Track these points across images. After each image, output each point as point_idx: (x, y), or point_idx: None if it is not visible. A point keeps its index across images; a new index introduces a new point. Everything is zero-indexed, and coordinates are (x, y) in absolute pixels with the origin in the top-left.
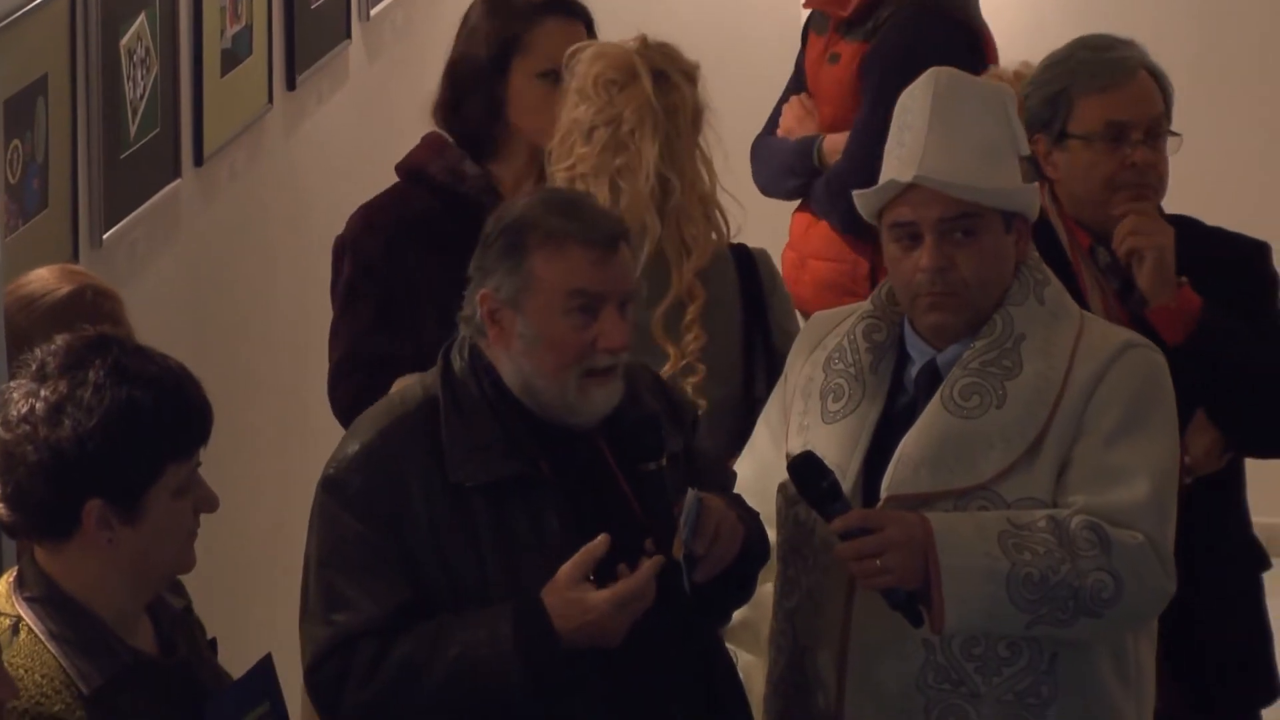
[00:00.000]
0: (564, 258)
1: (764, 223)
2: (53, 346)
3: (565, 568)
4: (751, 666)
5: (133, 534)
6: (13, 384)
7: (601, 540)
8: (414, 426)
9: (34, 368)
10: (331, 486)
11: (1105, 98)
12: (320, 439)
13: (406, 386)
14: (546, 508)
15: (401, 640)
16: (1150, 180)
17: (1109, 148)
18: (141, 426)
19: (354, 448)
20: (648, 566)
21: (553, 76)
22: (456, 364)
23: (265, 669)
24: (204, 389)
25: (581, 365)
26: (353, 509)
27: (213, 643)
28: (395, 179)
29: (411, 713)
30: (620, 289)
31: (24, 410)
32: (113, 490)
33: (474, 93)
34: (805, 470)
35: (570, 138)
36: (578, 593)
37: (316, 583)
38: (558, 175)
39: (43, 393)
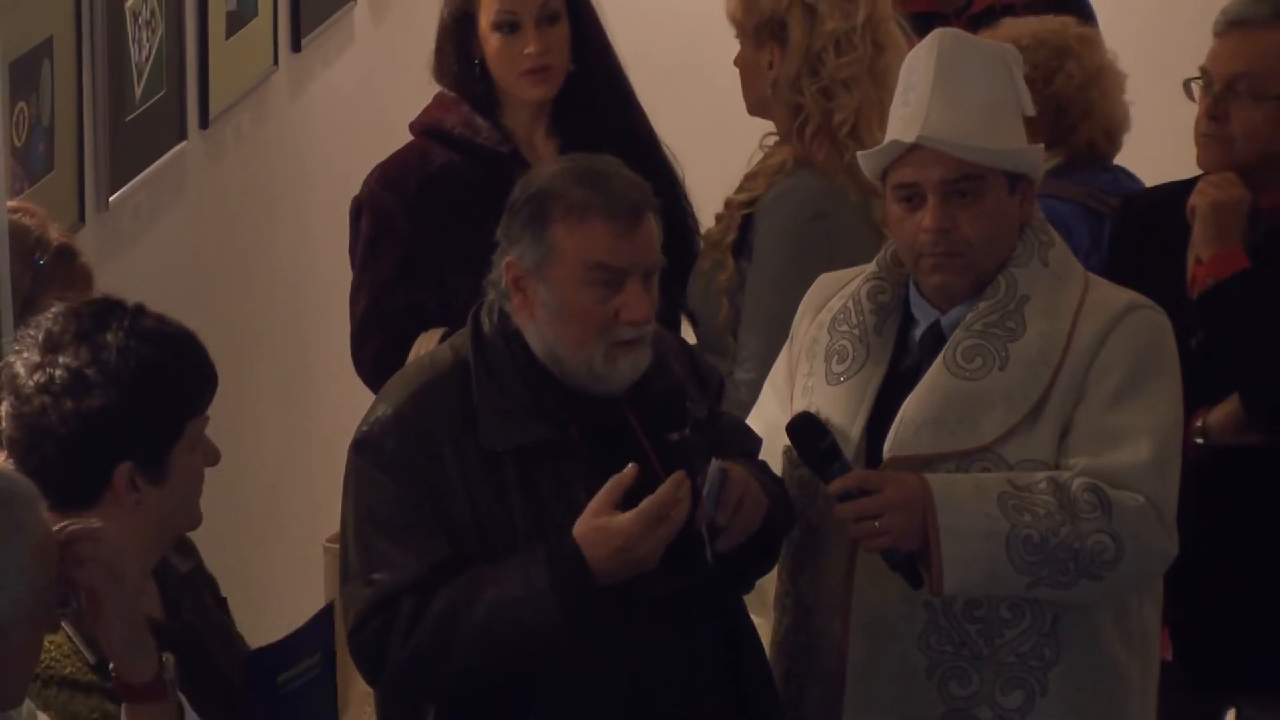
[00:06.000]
0: (586, 230)
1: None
2: (54, 314)
3: (594, 499)
4: (758, 629)
5: (158, 493)
6: (13, 357)
7: (630, 470)
8: (445, 390)
9: (39, 337)
10: (365, 449)
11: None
12: (323, 399)
13: (436, 349)
14: (574, 473)
15: (440, 593)
16: (1209, 130)
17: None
18: (166, 386)
19: (386, 410)
20: (669, 482)
21: (506, 27)
22: (486, 326)
23: (323, 620)
24: (206, 346)
25: (606, 337)
26: (388, 471)
27: (223, 602)
28: (400, 140)
29: (451, 659)
30: (643, 261)
31: (40, 381)
32: (142, 452)
33: (452, 52)
34: (804, 431)
35: (823, 53)
36: (605, 519)
37: (355, 544)
38: (810, 90)
39: (61, 360)
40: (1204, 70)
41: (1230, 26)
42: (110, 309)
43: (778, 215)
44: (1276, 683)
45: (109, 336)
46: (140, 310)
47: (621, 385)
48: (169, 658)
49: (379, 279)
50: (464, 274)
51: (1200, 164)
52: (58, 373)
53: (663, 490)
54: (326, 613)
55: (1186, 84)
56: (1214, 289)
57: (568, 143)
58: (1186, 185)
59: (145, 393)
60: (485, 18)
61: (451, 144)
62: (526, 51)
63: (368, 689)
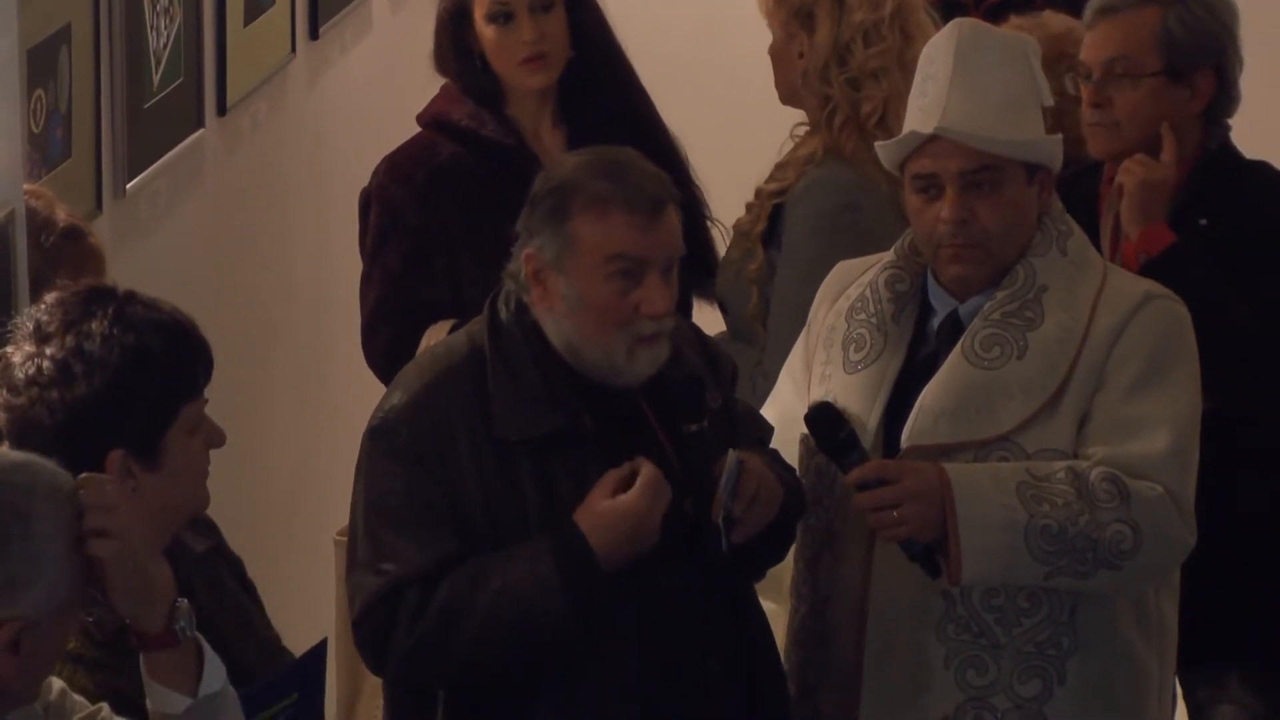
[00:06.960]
0: (606, 222)
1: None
2: (46, 304)
3: (595, 489)
4: (773, 615)
5: (154, 479)
6: (9, 348)
7: (628, 467)
8: (460, 378)
9: (30, 328)
10: (379, 436)
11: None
12: (339, 388)
13: (451, 337)
14: (589, 465)
15: (444, 584)
16: (1095, 119)
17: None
18: (154, 372)
19: (401, 398)
20: (639, 464)
21: (500, 18)
22: (503, 314)
23: (310, 660)
24: (204, 332)
25: (627, 331)
26: (401, 460)
27: (250, 586)
28: (417, 130)
29: (456, 649)
30: (664, 254)
31: (30, 373)
32: (133, 439)
33: (450, 46)
34: (822, 420)
35: (851, 44)
36: (609, 502)
37: (364, 533)
38: (838, 81)
39: (48, 351)
40: (1082, 62)
41: (1099, 15)
42: (97, 297)
43: (808, 205)
44: (1219, 653)
45: (94, 325)
46: (129, 297)
47: (639, 379)
48: (183, 602)
49: (388, 272)
50: (473, 266)
51: (1092, 153)
52: (45, 364)
53: (648, 467)
54: (315, 652)
55: (1071, 80)
56: (1149, 265)
57: (574, 132)
58: (1082, 172)
59: (131, 380)
60: (480, 11)
61: (458, 136)
62: (523, 40)
63: (379, 683)
